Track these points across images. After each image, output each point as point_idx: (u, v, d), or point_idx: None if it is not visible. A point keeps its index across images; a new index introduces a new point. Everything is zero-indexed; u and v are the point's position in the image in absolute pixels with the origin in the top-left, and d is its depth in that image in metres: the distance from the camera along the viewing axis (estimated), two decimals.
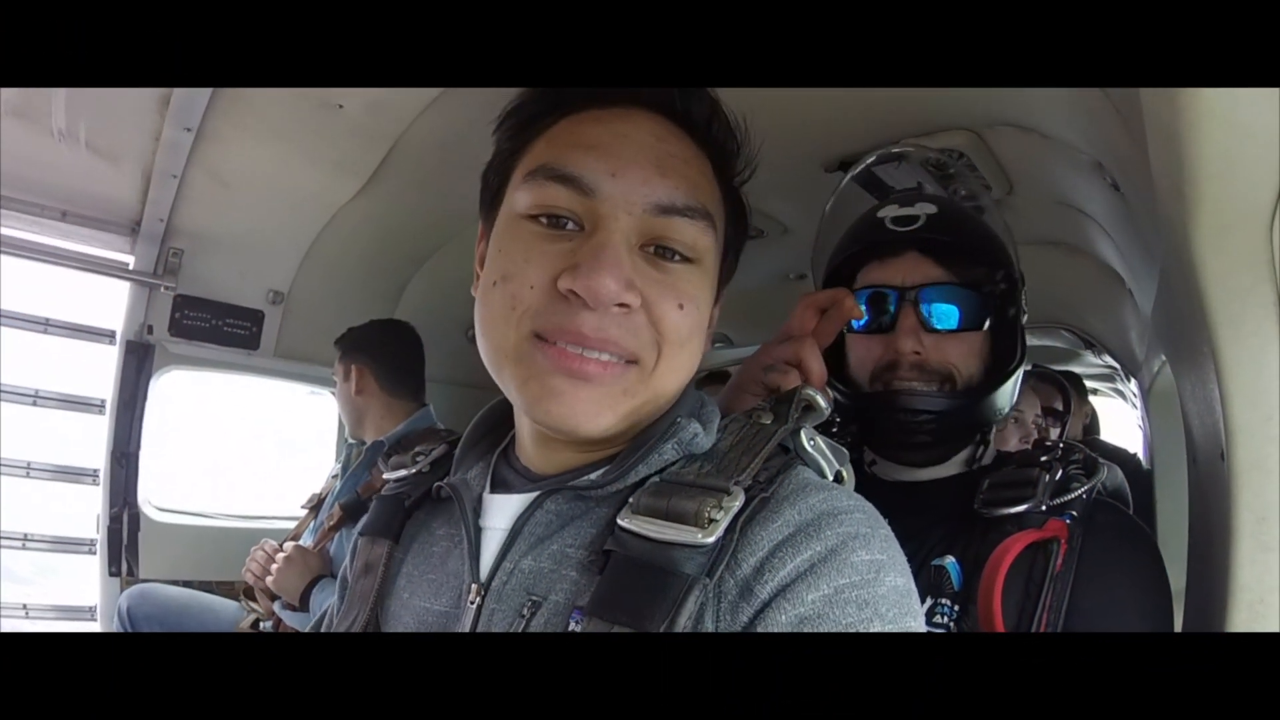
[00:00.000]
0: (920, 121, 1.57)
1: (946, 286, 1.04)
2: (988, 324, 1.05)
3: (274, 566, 1.99)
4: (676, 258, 0.66)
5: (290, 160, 1.98)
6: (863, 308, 1.04)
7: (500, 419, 0.82)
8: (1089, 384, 3.40)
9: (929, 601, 0.93)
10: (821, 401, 0.75)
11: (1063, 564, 0.89)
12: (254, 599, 2.11)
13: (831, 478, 0.70)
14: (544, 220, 0.65)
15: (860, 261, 1.11)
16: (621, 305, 0.62)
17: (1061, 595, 0.88)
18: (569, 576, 0.64)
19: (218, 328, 2.40)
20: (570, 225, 0.64)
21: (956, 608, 0.92)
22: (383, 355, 2.22)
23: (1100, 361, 3.05)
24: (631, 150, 0.65)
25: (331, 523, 2.07)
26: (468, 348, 2.77)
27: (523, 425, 0.75)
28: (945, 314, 1.03)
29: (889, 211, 1.07)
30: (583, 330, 0.62)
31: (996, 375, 1.06)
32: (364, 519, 0.86)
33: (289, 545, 2.04)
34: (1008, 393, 1.06)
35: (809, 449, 0.70)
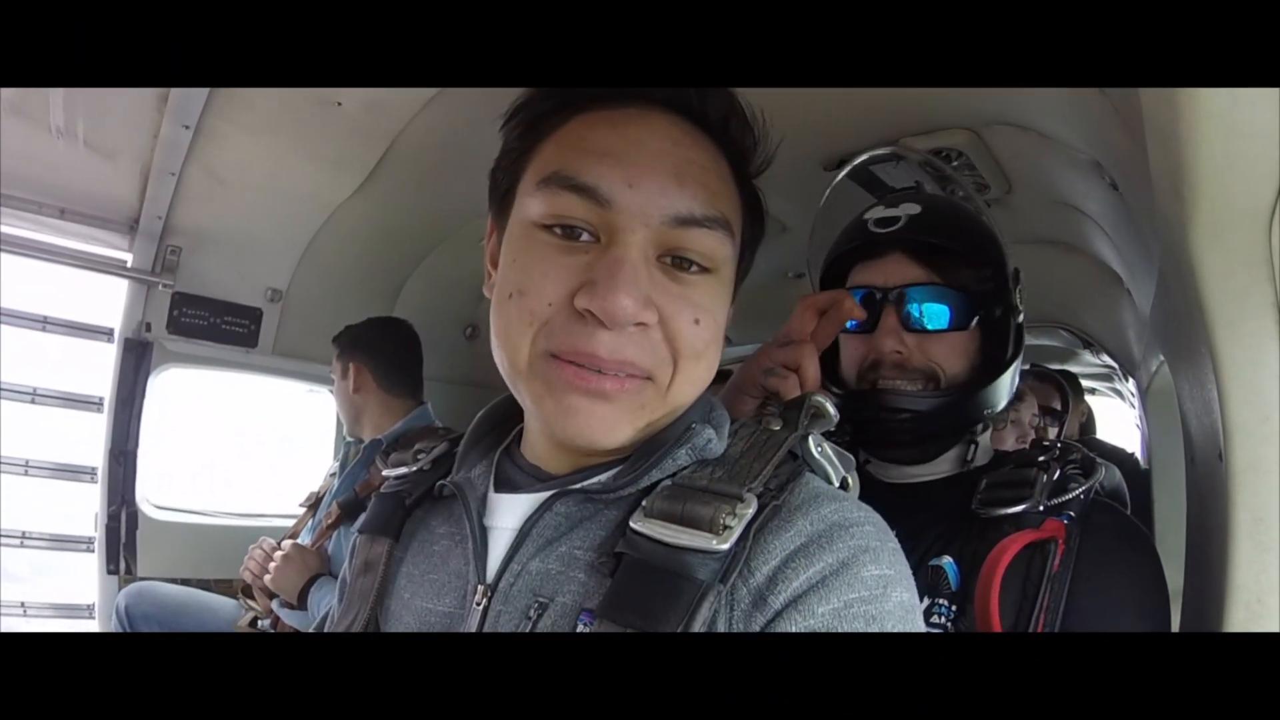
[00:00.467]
0: (920, 120, 1.58)
1: (929, 287, 1.04)
2: (974, 323, 1.05)
3: (272, 565, 1.99)
4: (694, 268, 0.65)
5: (289, 158, 1.98)
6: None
7: (504, 416, 0.81)
8: (1086, 383, 3.40)
9: (926, 601, 0.93)
10: (830, 409, 0.76)
11: (1060, 564, 0.89)
12: (252, 597, 2.11)
13: (838, 484, 0.70)
14: (558, 231, 0.64)
15: (850, 262, 1.11)
16: (638, 324, 0.62)
17: (1059, 595, 0.88)
18: (577, 578, 0.63)
19: (216, 325, 2.40)
20: (585, 236, 0.63)
21: (954, 608, 0.92)
22: (380, 353, 2.22)
23: (1098, 361, 3.06)
24: (648, 158, 0.63)
25: (329, 521, 2.08)
26: (466, 346, 2.78)
27: (533, 425, 0.74)
28: (928, 314, 1.04)
29: (874, 213, 1.08)
30: (598, 352, 0.61)
31: (984, 374, 1.06)
32: (363, 517, 0.85)
33: (287, 544, 2.04)
34: (998, 391, 1.06)
35: (816, 456, 0.70)
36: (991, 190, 1.78)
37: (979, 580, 0.87)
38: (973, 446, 1.07)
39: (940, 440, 1.07)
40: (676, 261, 0.64)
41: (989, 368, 1.07)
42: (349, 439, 2.34)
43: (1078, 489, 0.95)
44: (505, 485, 0.74)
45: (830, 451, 0.71)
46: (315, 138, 1.88)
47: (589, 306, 0.60)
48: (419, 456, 0.84)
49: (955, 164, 1.64)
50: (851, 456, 0.73)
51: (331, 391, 2.36)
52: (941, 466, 1.08)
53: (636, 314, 0.61)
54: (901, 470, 1.09)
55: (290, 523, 2.34)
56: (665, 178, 0.63)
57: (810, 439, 0.71)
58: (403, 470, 0.84)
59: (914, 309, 1.03)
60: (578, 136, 0.66)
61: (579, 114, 0.67)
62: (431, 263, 2.59)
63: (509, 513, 0.70)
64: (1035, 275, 1.39)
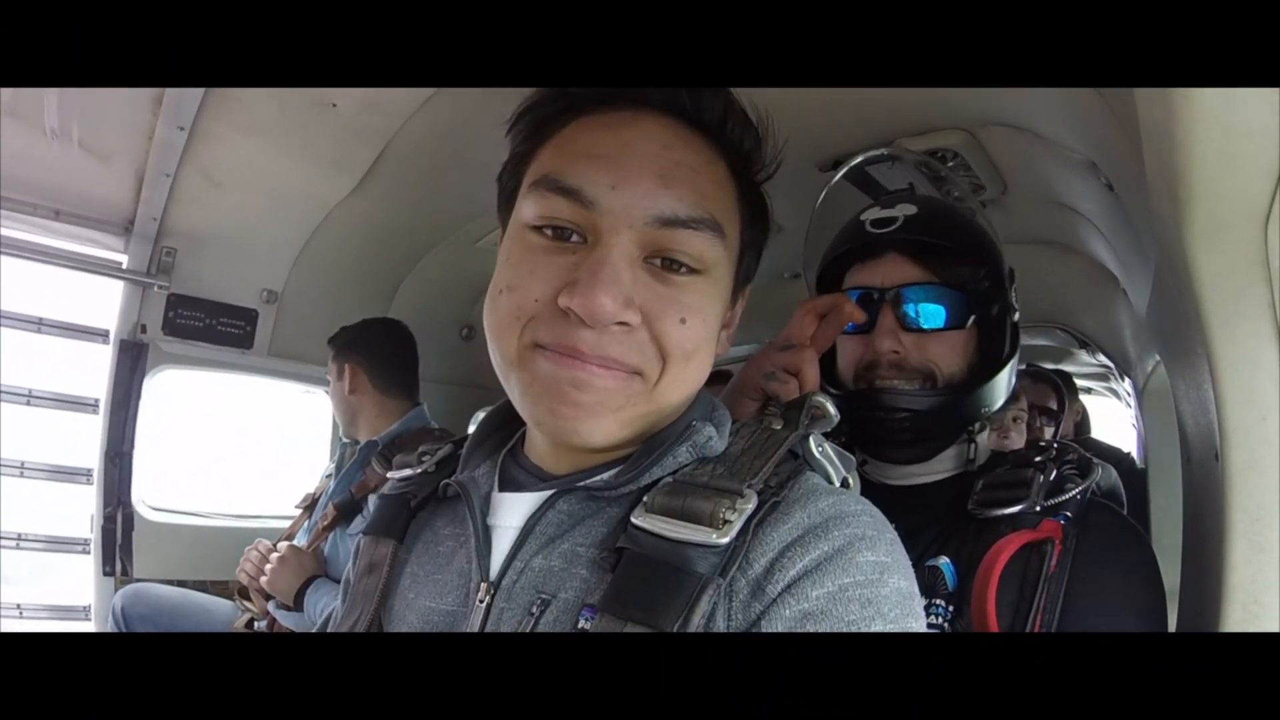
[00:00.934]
0: (915, 121, 1.58)
1: (926, 286, 1.04)
2: (971, 322, 1.06)
3: (268, 567, 1.98)
4: (683, 269, 0.65)
5: (284, 159, 1.97)
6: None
7: (507, 418, 0.82)
8: (1082, 383, 3.40)
9: (923, 602, 0.92)
10: (831, 409, 0.76)
11: (1057, 565, 0.89)
12: (249, 599, 2.11)
13: (838, 484, 0.70)
14: (548, 232, 0.65)
15: (846, 263, 1.12)
16: (620, 323, 0.62)
17: (1056, 596, 0.88)
18: (579, 574, 0.64)
19: (211, 327, 2.40)
20: (575, 237, 0.64)
21: (951, 608, 0.92)
22: (376, 354, 2.21)
23: (1094, 360, 3.06)
24: (635, 161, 0.64)
25: (325, 523, 2.07)
26: (462, 346, 2.77)
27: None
28: (925, 313, 1.04)
29: (870, 214, 1.08)
30: (579, 347, 0.62)
31: (981, 373, 1.06)
32: (368, 518, 0.85)
33: (283, 545, 2.04)
34: (995, 390, 1.06)
35: (817, 455, 0.71)
36: (987, 191, 1.78)
37: (975, 581, 0.87)
38: (973, 446, 1.07)
39: (938, 439, 1.08)
40: (666, 263, 0.65)
41: (986, 367, 1.07)
42: (345, 440, 2.34)
43: (1074, 489, 0.95)
44: (509, 484, 0.75)
45: (831, 452, 0.72)
46: (310, 139, 1.88)
47: (570, 305, 0.61)
48: (424, 458, 0.85)
49: (951, 164, 1.64)
50: (851, 457, 0.73)
51: (328, 393, 2.36)
52: (941, 466, 1.08)
53: (616, 313, 0.61)
54: (899, 471, 1.09)
55: (286, 524, 2.33)
56: (650, 180, 0.63)
57: (811, 439, 0.71)
58: (407, 472, 0.85)
59: (911, 308, 1.04)
60: (571, 140, 0.67)
61: (578, 118, 0.68)
62: (427, 264, 2.59)
63: (512, 511, 0.70)
64: (1031, 275, 1.39)
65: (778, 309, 1.08)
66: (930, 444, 1.07)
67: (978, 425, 1.07)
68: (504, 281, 0.66)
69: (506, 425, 0.82)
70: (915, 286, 1.04)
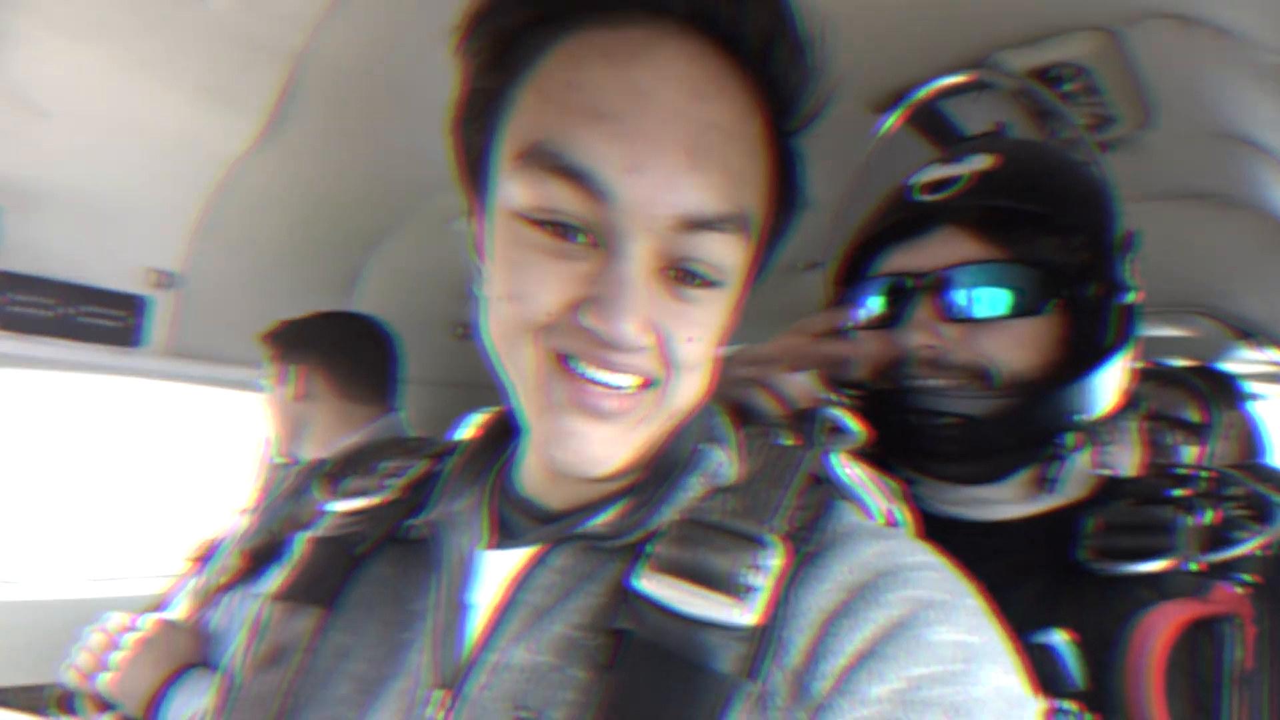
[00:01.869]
0: (1025, 21, 1.50)
1: (986, 265, 1.03)
2: (1051, 306, 1.03)
3: (118, 656, 1.79)
4: (698, 281, 0.66)
5: (141, 81, 1.90)
6: (880, 300, 1.09)
7: (501, 430, 0.86)
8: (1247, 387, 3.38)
9: (1041, 706, 0.87)
10: (850, 425, 0.81)
11: (1254, 657, 0.83)
12: (71, 713, 1.90)
13: (881, 519, 0.73)
14: (549, 226, 0.64)
15: (884, 244, 1.12)
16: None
17: (1255, 705, 0.81)
18: (572, 678, 0.63)
19: (67, 318, 2.36)
20: (580, 237, 0.64)
21: (1083, 713, 0.86)
22: (336, 352, 2.27)
23: (1260, 358, 3.04)
24: (658, 124, 0.61)
25: (226, 577, 1.99)
26: (451, 345, 2.78)
27: (529, 451, 0.79)
28: (979, 299, 1.03)
29: (924, 175, 1.08)
30: (609, 357, 0.65)
31: (1067, 370, 1.03)
32: (281, 574, 0.82)
33: (147, 620, 1.88)
34: (1089, 392, 1.02)
35: (847, 480, 0.74)
36: (1118, 124, 1.72)
37: (1123, 673, 0.82)
38: (1055, 464, 1.04)
39: (1004, 454, 1.04)
40: (679, 274, 0.66)
41: (1075, 362, 1.03)
42: (278, 461, 2.35)
43: (1249, 539, 0.90)
44: (494, 528, 0.77)
45: (863, 474, 0.75)
46: (174, 52, 1.81)
47: (594, 328, 0.63)
48: (388, 481, 0.86)
49: (1070, 87, 1.59)
50: (895, 484, 0.76)
51: (268, 400, 2.34)
52: (1023, 493, 1.06)
53: (638, 339, 0.64)
54: (961, 496, 1.08)
55: (156, 589, 2.25)
56: (678, 154, 0.62)
57: (835, 458, 0.75)
58: (360, 503, 0.84)
59: (962, 294, 1.03)
60: (565, 81, 0.64)
61: (568, 35, 0.65)
62: (394, 245, 2.66)
63: (494, 569, 0.72)
64: (1174, 241, 1.33)
65: (786, 305, 1.06)
66: (993, 460, 1.04)
67: (1070, 439, 1.03)
68: (504, 287, 0.67)
69: (502, 436, 0.86)
70: (969, 266, 1.03)
